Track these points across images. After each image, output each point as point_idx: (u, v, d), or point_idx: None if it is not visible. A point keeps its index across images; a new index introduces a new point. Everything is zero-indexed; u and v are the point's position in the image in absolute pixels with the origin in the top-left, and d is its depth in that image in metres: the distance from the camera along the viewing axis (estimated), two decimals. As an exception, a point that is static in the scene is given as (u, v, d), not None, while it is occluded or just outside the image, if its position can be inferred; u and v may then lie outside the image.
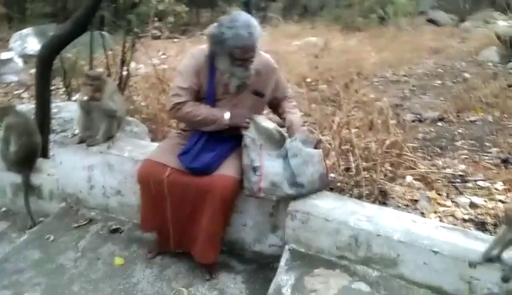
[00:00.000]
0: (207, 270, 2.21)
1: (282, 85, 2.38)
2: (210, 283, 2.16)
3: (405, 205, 2.42)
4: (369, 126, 3.09)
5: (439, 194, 2.58)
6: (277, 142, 2.16)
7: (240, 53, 2.02)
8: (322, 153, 2.20)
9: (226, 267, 2.27)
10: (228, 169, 2.10)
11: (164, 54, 5.81)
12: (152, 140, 3.35)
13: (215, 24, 2.09)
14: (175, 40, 7.10)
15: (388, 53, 6.99)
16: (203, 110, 2.15)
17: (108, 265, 2.26)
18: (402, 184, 2.61)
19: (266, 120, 2.22)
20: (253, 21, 2.02)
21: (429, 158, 3.26)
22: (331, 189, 2.53)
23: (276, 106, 2.41)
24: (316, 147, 2.19)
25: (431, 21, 11.36)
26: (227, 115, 2.14)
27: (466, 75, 5.99)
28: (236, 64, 2.06)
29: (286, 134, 2.19)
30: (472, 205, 2.50)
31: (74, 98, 4.12)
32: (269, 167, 2.04)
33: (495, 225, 2.32)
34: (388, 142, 2.86)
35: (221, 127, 2.15)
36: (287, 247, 2.11)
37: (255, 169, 2.03)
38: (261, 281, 2.17)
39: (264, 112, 2.43)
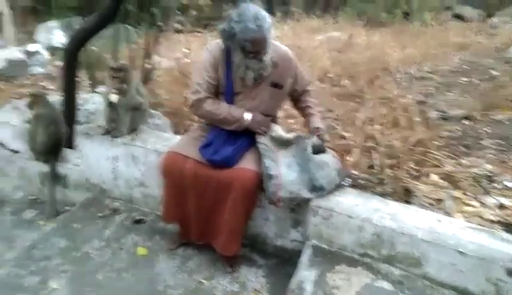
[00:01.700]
0: (229, 263, 2.22)
1: (302, 76, 2.36)
2: (231, 276, 2.18)
3: (429, 204, 2.37)
4: (393, 123, 3.04)
5: (465, 194, 2.52)
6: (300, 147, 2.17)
7: (251, 46, 2.02)
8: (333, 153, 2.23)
9: (248, 261, 2.29)
10: (248, 163, 2.12)
11: (186, 48, 5.83)
12: (175, 133, 3.37)
13: (225, 19, 2.09)
14: (197, 34, 7.11)
15: (412, 49, 6.84)
16: (223, 110, 2.17)
17: (131, 255, 2.31)
18: (427, 183, 2.56)
19: (282, 130, 2.24)
20: (262, 14, 2.01)
21: (455, 157, 3.19)
22: (353, 186, 2.50)
23: (296, 99, 2.40)
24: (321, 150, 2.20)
25: (457, 16, 11.08)
26: (247, 116, 2.16)
27: (494, 72, 5.81)
28: (249, 57, 2.07)
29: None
30: (500, 206, 2.44)
31: (98, 90, 4.17)
32: (285, 175, 2.05)
33: (524, 228, 2.25)
34: (412, 139, 2.81)
35: (242, 128, 2.18)
36: (308, 243, 2.11)
37: (270, 177, 2.04)
38: (281, 276, 2.18)
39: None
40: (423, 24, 8.96)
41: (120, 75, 2.51)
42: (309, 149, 2.12)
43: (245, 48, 2.04)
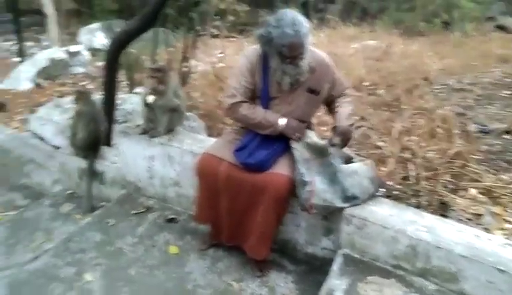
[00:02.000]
0: (258, 267, 2.23)
1: (340, 82, 2.34)
2: (260, 279, 2.18)
3: (467, 219, 2.29)
4: (430, 134, 2.96)
5: (505, 210, 2.43)
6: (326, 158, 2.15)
7: (288, 51, 2.02)
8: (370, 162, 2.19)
9: (278, 266, 2.28)
10: (282, 168, 2.12)
11: (221, 52, 5.89)
12: (209, 136, 3.41)
13: (263, 24, 2.10)
14: (233, 39, 7.19)
15: (452, 60, 6.66)
16: (259, 114, 2.18)
17: (163, 252, 2.35)
18: (465, 197, 2.48)
19: (317, 137, 2.22)
20: (299, 19, 2.01)
21: (495, 171, 3.07)
22: (387, 196, 2.45)
23: (330, 103, 2.37)
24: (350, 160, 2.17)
25: (500, 27, 10.69)
26: (282, 121, 2.16)
27: (538, 86, 5.58)
28: (286, 62, 2.07)
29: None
30: (542, 225, 2.33)
31: (135, 91, 4.29)
32: (318, 183, 2.03)
33: None
34: (450, 152, 2.73)
35: (276, 133, 2.18)
36: (340, 251, 2.09)
37: (304, 183, 2.03)
38: (311, 283, 2.17)
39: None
40: (464, 35, 8.70)
41: (158, 75, 2.58)
42: (335, 161, 2.09)
43: (282, 53, 2.05)
